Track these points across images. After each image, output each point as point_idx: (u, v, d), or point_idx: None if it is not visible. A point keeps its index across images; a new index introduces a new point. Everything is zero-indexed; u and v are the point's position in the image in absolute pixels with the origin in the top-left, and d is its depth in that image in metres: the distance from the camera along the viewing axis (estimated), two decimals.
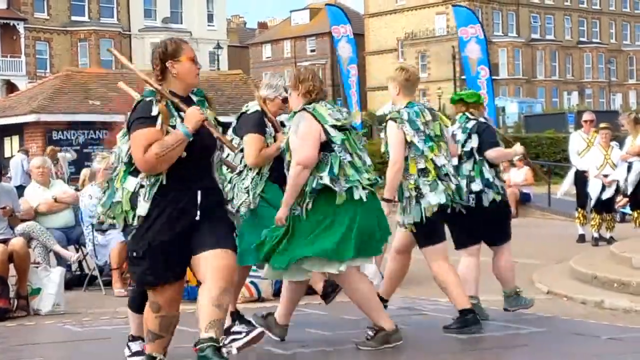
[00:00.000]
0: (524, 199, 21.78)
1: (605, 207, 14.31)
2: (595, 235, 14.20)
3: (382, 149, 7.13)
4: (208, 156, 5.44)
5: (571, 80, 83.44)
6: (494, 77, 49.56)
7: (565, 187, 15.56)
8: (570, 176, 15.15)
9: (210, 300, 5.09)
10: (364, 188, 6.29)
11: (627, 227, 15.06)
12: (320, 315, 8.07)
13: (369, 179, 6.35)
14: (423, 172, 7.01)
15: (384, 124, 7.12)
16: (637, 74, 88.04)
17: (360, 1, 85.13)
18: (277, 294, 8.92)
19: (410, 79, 7.21)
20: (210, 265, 5.18)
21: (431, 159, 7.03)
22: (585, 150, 14.52)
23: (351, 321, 7.45)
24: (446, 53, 64.57)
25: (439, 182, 7.02)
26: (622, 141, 15.31)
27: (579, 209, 14.83)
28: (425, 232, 7.03)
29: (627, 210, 16.71)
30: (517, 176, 22.01)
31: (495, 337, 6.96)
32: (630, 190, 14.34)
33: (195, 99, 5.54)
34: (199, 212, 5.28)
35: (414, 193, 6.98)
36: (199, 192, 5.31)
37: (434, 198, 6.97)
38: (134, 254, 5.31)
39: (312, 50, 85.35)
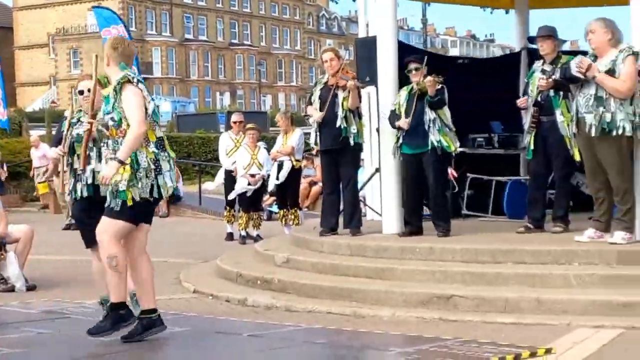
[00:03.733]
0: (175, 198, 21.91)
1: (252, 205, 14.70)
2: (243, 233, 14.55)
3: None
4: None
5: (224, 80, 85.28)
6: (147, 76, 49.63)
7: (216, 183, 15.82)
8: (220, 175, 15.44)
9: None
10: None
11: (274, 225, 15.58)
12: None
13: None
14: (160, 143, 6.76)
15: (119, 87, 6.69)
16: (286, 77, 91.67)
17: None
18: None
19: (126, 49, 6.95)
20: None
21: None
22: (234, 150, 14.85)
23: None
24: (98, 50, 63.53)
25: (170, 162, 6.81)
26: (269, 142, 15.84)
27: (228, 208, 15.15)
28: (137, 213, 6.71)
29: (274, 208, 17.33)
30: None
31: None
32: (276, 189, 14.86)
33: None
34: None
35: (152, 166, 6.66)
36: None
37: (169, 180, 6.75)
38: None
39: None
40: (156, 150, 6.71)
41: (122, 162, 6.56)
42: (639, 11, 8.81)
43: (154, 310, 6.84)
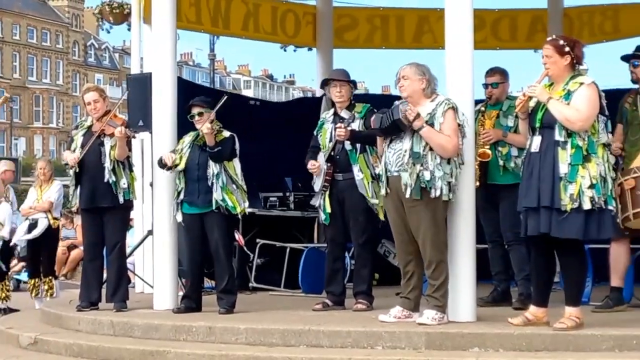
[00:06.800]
0: None
1: None
2: None
3: None
4: None
5: None
6: None
7: None
8: None
9: None
10: None
11: (22, 296, 15.14)
12: None
13: None
14: None
15: None
16: (44, 116, 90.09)
17: None
18: None
19: None
20: None
21: None
22: None
23: None
24: None
25: None
26: (20, 195, 15.43)
27: None
28: None
29: (23, 276, 16.83)
30: None
31: None
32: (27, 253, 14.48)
33: None
34: None
35: None
36: None
37: None
38: None
39: None
40: None
41: None
42: (455, 55, 9.01)
43: None
